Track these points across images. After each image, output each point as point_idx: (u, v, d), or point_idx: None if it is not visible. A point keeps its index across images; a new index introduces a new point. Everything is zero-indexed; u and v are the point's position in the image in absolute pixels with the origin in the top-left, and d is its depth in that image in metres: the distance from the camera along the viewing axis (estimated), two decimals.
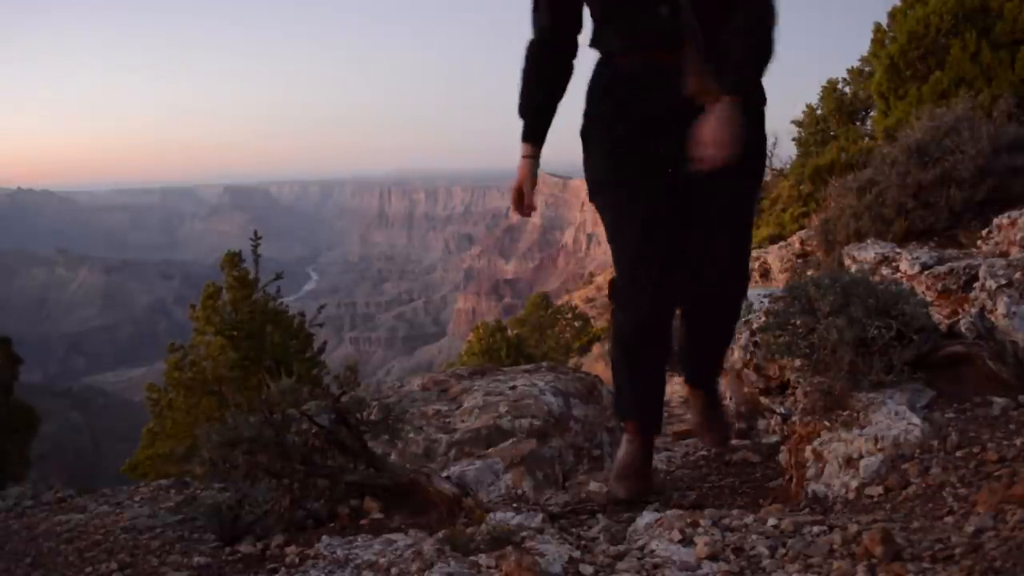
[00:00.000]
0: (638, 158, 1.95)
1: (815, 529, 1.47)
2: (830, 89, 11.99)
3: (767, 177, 11.43)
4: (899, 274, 3.43)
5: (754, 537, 1.48)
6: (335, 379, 2.12)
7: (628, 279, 2.03)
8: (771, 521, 1.54)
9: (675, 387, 4.69)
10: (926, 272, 3.26)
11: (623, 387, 2.19)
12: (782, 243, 7.27)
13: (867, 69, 10.95)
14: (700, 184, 1.88)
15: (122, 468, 7.32)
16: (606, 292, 2.22)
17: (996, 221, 3.81)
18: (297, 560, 1.69)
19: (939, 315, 2.73)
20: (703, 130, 1.77)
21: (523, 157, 2.09)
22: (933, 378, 1.99)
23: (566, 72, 2.07)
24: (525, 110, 2.09)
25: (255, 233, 7.32)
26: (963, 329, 2.13)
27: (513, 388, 3.39)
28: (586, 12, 2.00)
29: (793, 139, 12.54)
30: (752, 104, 1.89)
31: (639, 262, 1.99)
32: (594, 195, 2.07)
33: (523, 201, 2.11)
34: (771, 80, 1.93)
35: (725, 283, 2.09)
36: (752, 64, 1.83)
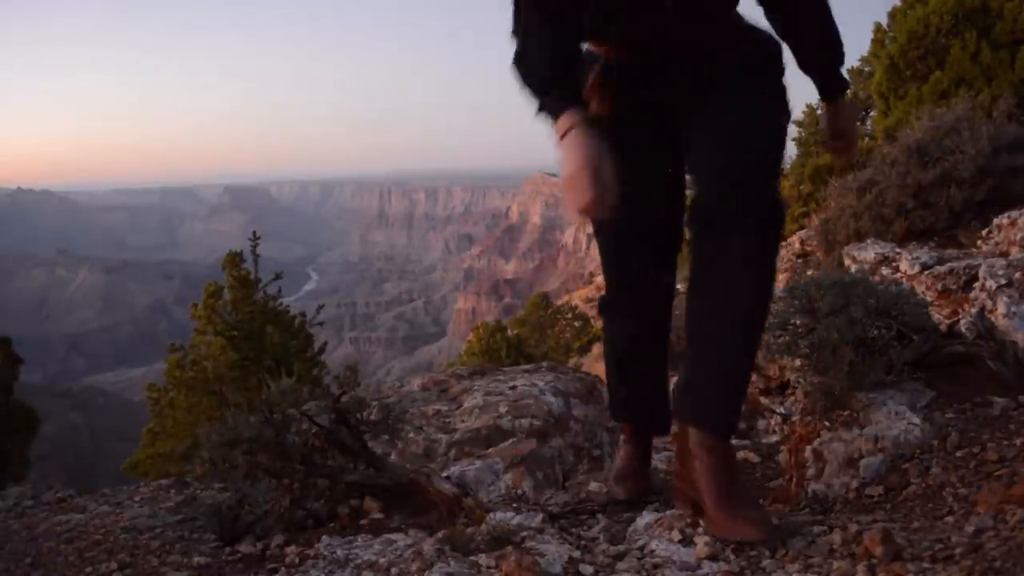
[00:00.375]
0: (627, 159, 1.62)
1: (815, 529, 1.47)
2: None
3: None
4: (899, 274, 3.42)
5: None
6: (335, 379, 2.11)
7: (617, 291, 1.87)
8: (771, 521, 1.54)
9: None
10: (926, 272, 3.26)
11: (616, 391, 2.03)
12: (782, 243, 7.26)
13: (867, 69, 10.94)
14: (701, 102, 1.59)
15: (122, 467, 7.33)
16: (596, 306, 1.97)
17: (996, 221, 3.81)
18: (297, 560, 1.69)
19: (939, 315, 2.73)
20: (845, 133, 1.86)
21: (572, 128, 1.41)
22: (933, 378, 1.99)
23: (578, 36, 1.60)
24: (550, 71, 1.48)
25: (253, 233, 7.33)
26: (963, 329, 2.13)
27: (513, 388, 3.39)
28: None
29: (793, 139, 12.55)
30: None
31: (628, 274, 1.82)
32: None
33: (603, 192, 1.38)
34: None
35: (736, 190, 1.45)
36: (841, 51, 1.79)
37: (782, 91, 1.64)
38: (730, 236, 1.45)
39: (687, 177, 1.72)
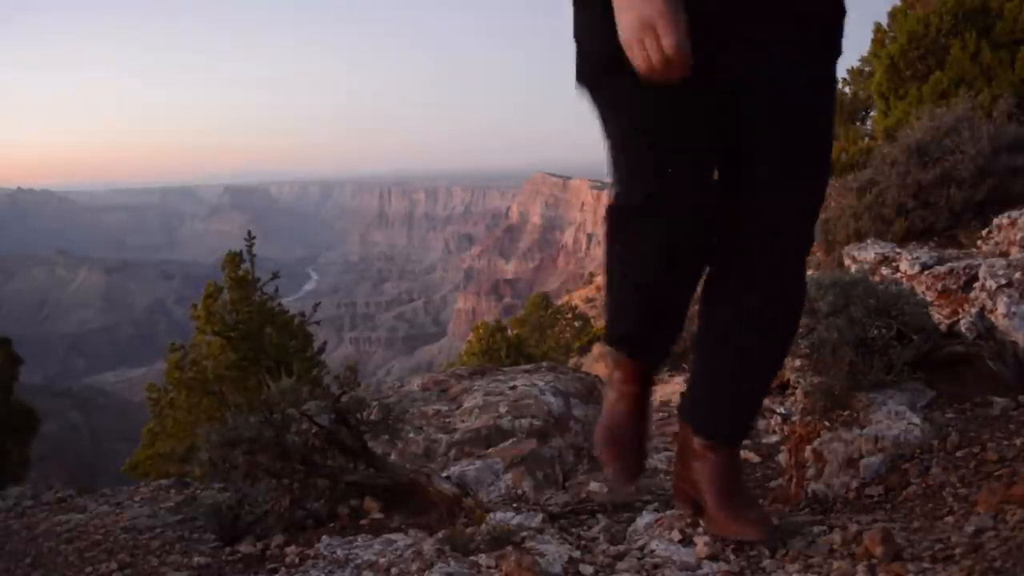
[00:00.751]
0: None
1: (815, 529, 1.47)
2: None
3: None
4: (899, 274, 3.42)
5: None
6: (335, 379, 2.11)
7: (653, 186, 1.32)
8: (771, 521, 1.54)
9: (676, 387, 4.69)
10: (926, 272, 3.26)
11: (631, 318, 1.50)
12: None
13: (867, 69, 10.95)
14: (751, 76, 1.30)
15: (123, 468, 7.33)
16: (606, 220, 1.45)
17: (996, 221, 3.81)
18: (297, 560, 1.69)
19: (939, 315, 2.73)
20: None
21: None
22: (933, 378, 1.99)
23: None
24: None
25: (248, 233, 7.33)
26: (963, 329, 2.13)
27: (513, 388, 3.39)
28: None
29: None
30: None
31: (674, 158, 1.31)
32: (600, 74, 1.33)
33: (684, 44, 1.14)
34: None
35: (779, 194, 1.31)
36: None
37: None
38: (767, 269, 1.38)
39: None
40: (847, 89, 11.99)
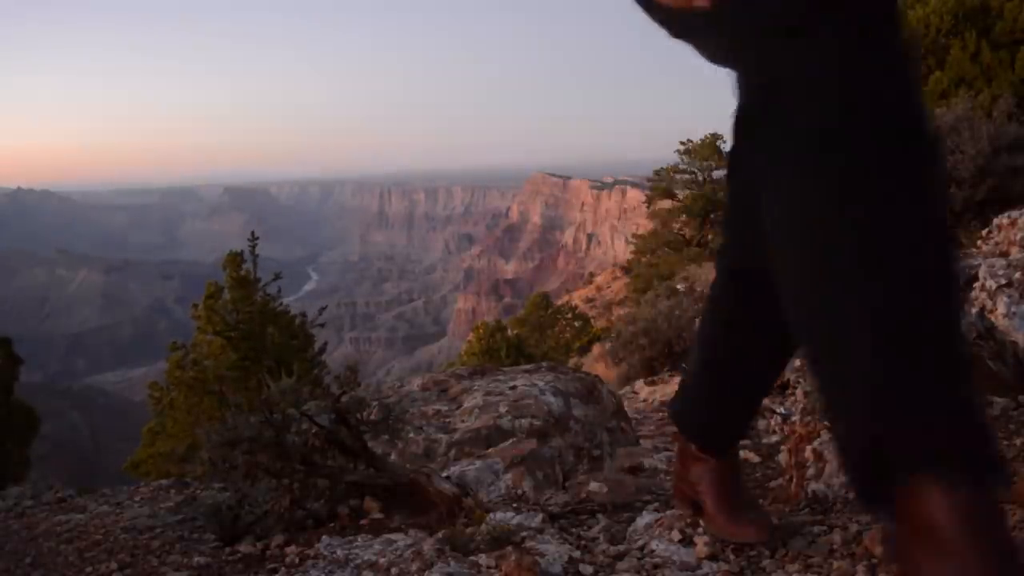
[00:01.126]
0: None
1: (815, 529, 1.47)
2: None
3: None
4: None
5: None
6: (335, 379, 2.11)
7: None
8: (771, 521, 1.54)
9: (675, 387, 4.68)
10: None
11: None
12: None
13: None
14: None
15: (124, 466, 7.35)
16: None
17: (996, 221, 3.81)
18: (297, 560, 1.69)
19: None
20: None
21: None
22: None
23: None
24: None
25: (252, 234, 7.33)
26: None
27: (513, 388, 3.39)
28: None
29: None
30: None
31: None
32: None
33: None
34: None
35: None
36: None
37: None
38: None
39: None
40: None
